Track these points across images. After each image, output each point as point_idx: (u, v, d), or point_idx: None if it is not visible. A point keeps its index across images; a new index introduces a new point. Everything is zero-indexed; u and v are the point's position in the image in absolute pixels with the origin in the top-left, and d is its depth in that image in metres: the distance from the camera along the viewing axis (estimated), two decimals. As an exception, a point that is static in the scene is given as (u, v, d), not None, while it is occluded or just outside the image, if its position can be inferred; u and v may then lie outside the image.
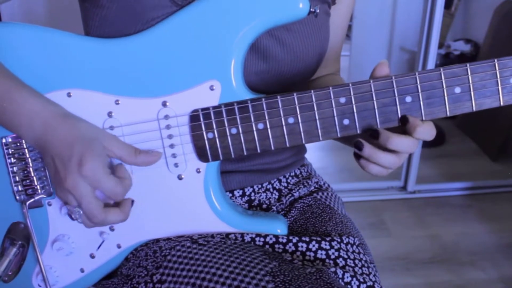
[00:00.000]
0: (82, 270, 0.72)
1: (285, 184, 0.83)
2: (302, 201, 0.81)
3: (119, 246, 0.71)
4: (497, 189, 2.27)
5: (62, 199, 0.64)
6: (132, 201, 0.67)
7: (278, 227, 0.71)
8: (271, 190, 0.81)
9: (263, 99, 0.63)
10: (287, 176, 0.84)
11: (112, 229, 0.70)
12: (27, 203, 0.68)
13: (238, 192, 0.79)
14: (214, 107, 0.64)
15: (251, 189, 0.79)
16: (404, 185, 2.25)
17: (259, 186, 0.80)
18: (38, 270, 0.71)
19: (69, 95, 0.66)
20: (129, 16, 0.65)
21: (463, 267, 1.79)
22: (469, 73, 0.60)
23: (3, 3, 0.78)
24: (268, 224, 0.71)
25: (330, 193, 0.86)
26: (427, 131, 0.60)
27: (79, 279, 0.72)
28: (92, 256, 0.71)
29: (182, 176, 0.67)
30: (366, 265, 0.71)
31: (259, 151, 0.65)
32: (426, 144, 2.23)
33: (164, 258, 0.67)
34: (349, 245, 0.72)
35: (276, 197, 0.81)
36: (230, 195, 0.78)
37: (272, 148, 0.64)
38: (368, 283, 0.65)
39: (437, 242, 1.92)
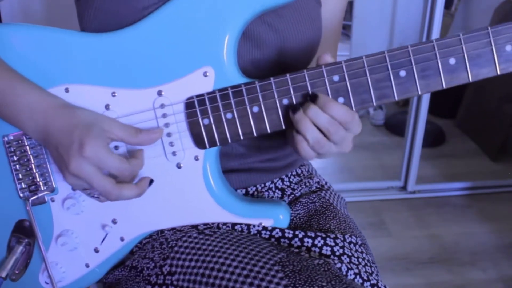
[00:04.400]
0: (87, 265, 0.72)
1: (288, 183, 0.84)
2: (306, 197, 0.82)
3: (122, 239, 0.71)
4: (497, 189, 2.26)
5: (72, 185, 0.64)
6: (151, 181, 0.67)
7: (280, 213, 0.71)
8: (274, 189, 0.81)
9: (257, 82, 0.63)
10: (289, 175, 0.84)
11: (114, 222, 0.70)
12: (30, 200, 0.68)
13: (241, 191, 0.79)
14: (208, 93, 0.64)
15: (254, 188, 0.80)
16: (404, 185, 2.25)
17: (262, 185, 0.80)
18: (45, 267, 0.71)
19: (67, 90, 0.66)
20: (123, 5, 0.66)
21: (463, 267, 1.79)
22: (463, 43, 0.59)
23: (2, 0, 0.79)
24: (270, 211, 0.71)
25: (333, 193, 0.86)
26: (342, 111, 0.60)
27: (85, 274, 0.72)
28: (96, 251, 0.71)
29: (181, 165, 0.68)
30: (368, 264, 0.72)
31: (255, 134, 0.65)
32: (426, 144, 2.23)
33: (171, 249, 0.67)
34: (352, 244, 0.72)
35: (279, 196, 0.82)
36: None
37: (269, 131, 0.64)
38: (372, 281, 0.66)
39: (437, 242, 1.92)
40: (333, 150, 0.63)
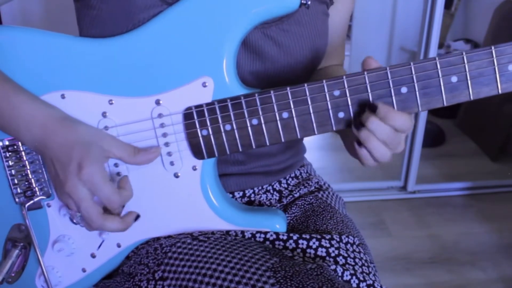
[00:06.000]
0: (84, 270, 0.72)
1: (285, 186, 0.83)
2: (303, 199, 0.82)
3: (119, 246, 0.71)
4: (497, 189, 2.26)
5: (64, 203, 0.64)
6: (138, 216, 0.67)
7: (277, 223, 0.71)
8: (271, 191, 0.81)
9: (257, 95, 0.63)
10: (287, 178, 0.84)
11: (111, 229, 0.70)
12: (26, 205, 0.68)
13: (239, 194, 0.79)
14: (207, 104, 0.64)
15: (251, 191, 0.79)
16: (404, 185, 2.25)
17: (260, 187, 0.80)
18: (41, 271, 0.71)
19: (63, 96, 0.65)
20: (120, 17, 0.65)
21: (463, 267, 1.79)
22: (466, 62, 0.59)
23: (3, 5, 0.78)
24: (266, 220, 0.71)
25: (331, 193, 0.86)
26: (403, 120, 0.59)
27: (81, 279, 0.72)
28: (93, 256, 0.71)
29: (179, 174, 0.67)
30: (366, 264, 0.71)
31: (254, 147, 0.64)
32: (426, 144, 2.23)
33: (165, 255, 0.67)
34: (349, 245, 0.72)
35: (277, 198, 0.82)
36: (230, 196, 0.78)
37: (267, 143, 0.64)
38: (368, 282, 0.65)
39: (437, 242, 1.92)
40: (389, 155, 0.62)
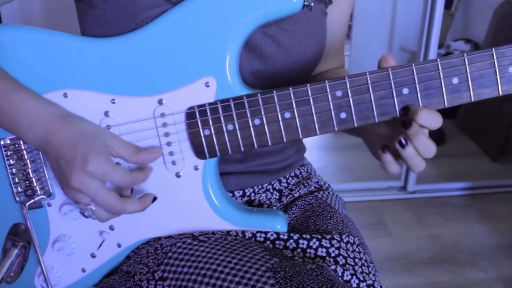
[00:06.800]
0: (83, 270, 0.72)
1: (285, 185, 0.83)
2: (303, 199, 0.82)
3: (119, 245, 0.71)
4: (497, 189, 2.27)
5: (71, 199, 0.63)
6: (155, 198, 0.67)
7: (277, 223, 0.71)
8: (271, 190, 0.81)
9: (259, 95, 0.63)
10: (287, 177, 0.84)
11: (112, 229, 0.70)
12: (27, 204, 0.68)
13: (239, 193, 0.79)
14: (210, 104, 0.64)
15: (251, 190, 0.79)
16: (404, 185, 2.26)
17: (259, 187, 0.80)
18: (40, 270, 0.71)
19: (65, 95, 0.65)
20: (123, 17, 0.65)
21: (463, 267, 1.79)
22: (467, 63, 0.59)
23: (3, 5, 0.78)
24: (267, 221, 0.71)
25: (331, 193, 0.86)
26: (431, 117, 0.59)
27: (81, 279, 0.72)
28: (93, 256, 0.71)
29: (180, 174, 0.67)
30: (366, 264, 0.71)
31: (256, 147, 0.64)
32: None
33: (165, 255, 0.67)
34: (349, 244, 0.72)
35: (277, 197, 0.81)
36: (230, 195, 0.78)
37: (270, 143, 0.64)
38: (368, 282, 0.65)
39: (437, 242, 1.92)
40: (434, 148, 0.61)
